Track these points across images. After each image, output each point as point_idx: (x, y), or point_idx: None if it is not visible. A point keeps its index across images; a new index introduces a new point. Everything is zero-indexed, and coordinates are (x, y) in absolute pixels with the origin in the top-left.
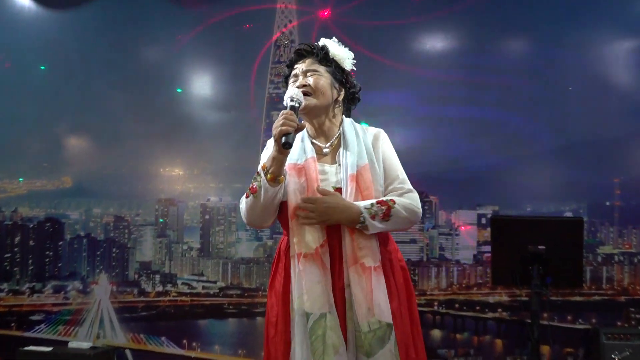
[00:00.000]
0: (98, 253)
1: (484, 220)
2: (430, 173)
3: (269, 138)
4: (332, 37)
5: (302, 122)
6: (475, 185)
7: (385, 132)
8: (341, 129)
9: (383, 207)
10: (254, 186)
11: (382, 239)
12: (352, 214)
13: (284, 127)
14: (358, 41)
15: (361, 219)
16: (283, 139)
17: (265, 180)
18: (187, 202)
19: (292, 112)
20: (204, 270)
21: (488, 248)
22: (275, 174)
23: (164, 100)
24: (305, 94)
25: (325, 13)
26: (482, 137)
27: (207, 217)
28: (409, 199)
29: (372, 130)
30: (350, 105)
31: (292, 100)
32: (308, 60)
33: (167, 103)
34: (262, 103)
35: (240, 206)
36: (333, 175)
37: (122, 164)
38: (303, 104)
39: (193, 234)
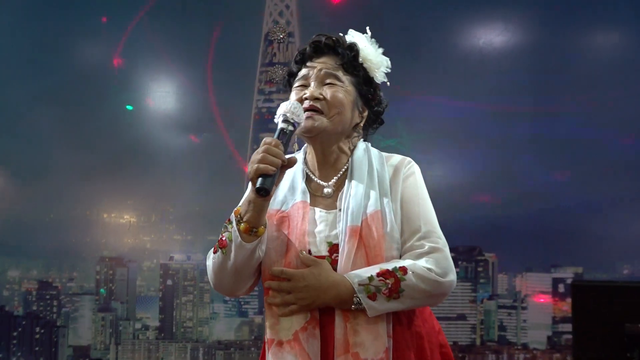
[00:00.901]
0: (15, 334)
1: (562, 287)
2: (485, 219)
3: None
4: (365, 31)
5: (293, 155)
6: (550, 238)
7: (419, 160)
8: (351, 158)
9: (388, 281)
10: (224, 238)
11: (406, 314)
12: (341, 293)
13: (261, 165)
14: (385, 37)
15: (355, 299)
16: (259, 182)
17: (237, 232)
18: (141, 262)
19: (279, 142)
20: (166, 358)
21: (568, 327)
22: (252, 223)
23: (109, 119)
24: (313, 109)
25: None
26: (560, 168)
27: (169, 282)
28: (430, 263)
29: (394, 160)
30: (370, 129)
31: (284, 121)
32: (328, 61)
33: (113, 123)
34: (248, 121)
35: (207, 263)
36: (331, 226)
37: (50, 208)
38: (304, 125)
39: (149, 306)
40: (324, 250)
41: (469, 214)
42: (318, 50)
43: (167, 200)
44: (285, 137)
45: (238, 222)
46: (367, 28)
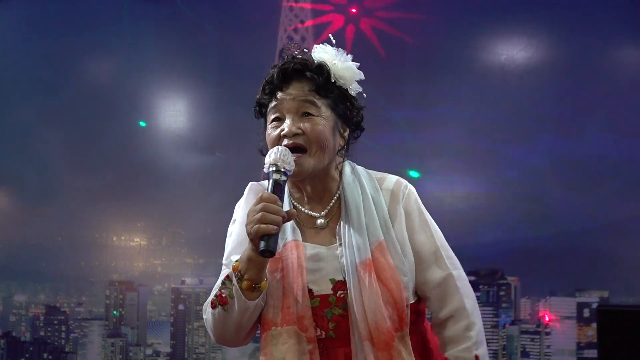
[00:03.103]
0: None
1: (587, 312)
2: (506, 242)
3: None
4: (327, 42)
5: (291, 209)
6: (574, 261)
7: (439, 180)
8: (340, 187)
9: None
10: (224, 295)
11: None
12: None
13: (262, 226)
14: (402, 52)
15: None
16: (262, 245)
17: (240, 290)
18: (151, 286)
19: (276, 197)
20: None
21: (594, 352)
22: (254, 280)
23: (119, 137)
24: (296, 148)
25: (354, 10)
26: (585, 188)
27: (181, 307)
28: (470, 309)
29: (388, 183)
30: (351, 140)
31: (276, 172)
32: (300, 87)
33: (124, 142)
34: (262, 141)
35: (205, 317)
36: (332, 262)
37: (57, 230)
38: (293, 170)
39: (161, 332)
40: (327, 289)
41: (491, 236)
42: (287, 77)
43: (179, 222)
44: (280, 189)
45: (239, 280)
46: (331, 36)
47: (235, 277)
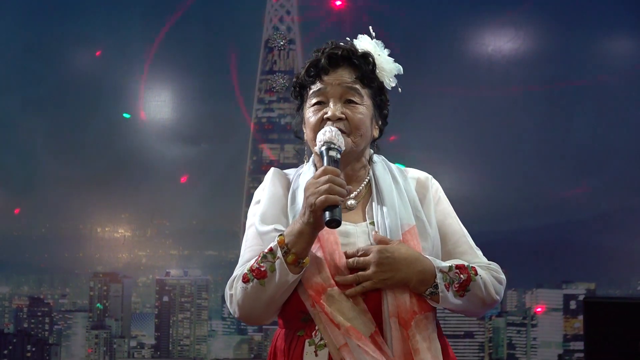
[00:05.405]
0: (5, 352)
1: (574, 304)
2: (493, 233)
3: (257, 182)
4: (371, 34)
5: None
6: (561, 252)
7: (424, 172)
8: (371, 173)
9: (462, 276)
10: (263, 269)
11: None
12: (426, 269)
13: (330, 197)
14: (388, 44)
15: (433, 283)
16: (327, 215)
17: (285, 264)
18: (136, 278)
19: (339, 171)
20: None
21: (580, 344)
22: (300, 255)
23: (103, 128)
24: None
25: (338, 2)
26: (572, 179)
27: (165, 299)
28: (496, 272)
29: (415, 174)
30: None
31: (330, 149)
32: (345, 74)
33: (109, 132)
34: (247, 132)
35: (230, 293)
36: (361, 237)
37: (41, 221)
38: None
39: (145, 324)
40: None
41: (477, 228)
42: (333, 62)
43: (163, 213)
44: (337, 166)
45: (285, 254)
46: (371, 29)
47: (282, 250)
